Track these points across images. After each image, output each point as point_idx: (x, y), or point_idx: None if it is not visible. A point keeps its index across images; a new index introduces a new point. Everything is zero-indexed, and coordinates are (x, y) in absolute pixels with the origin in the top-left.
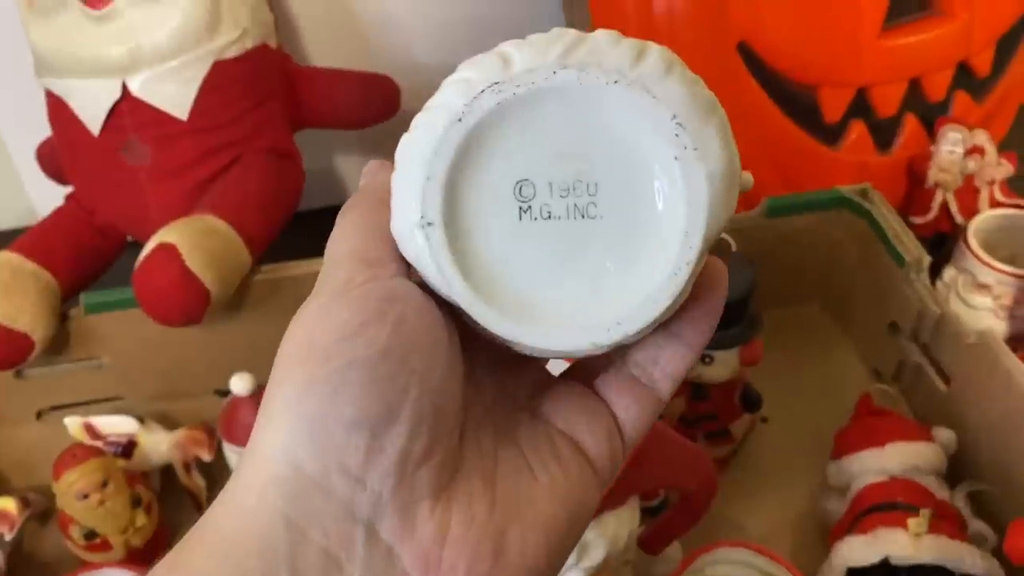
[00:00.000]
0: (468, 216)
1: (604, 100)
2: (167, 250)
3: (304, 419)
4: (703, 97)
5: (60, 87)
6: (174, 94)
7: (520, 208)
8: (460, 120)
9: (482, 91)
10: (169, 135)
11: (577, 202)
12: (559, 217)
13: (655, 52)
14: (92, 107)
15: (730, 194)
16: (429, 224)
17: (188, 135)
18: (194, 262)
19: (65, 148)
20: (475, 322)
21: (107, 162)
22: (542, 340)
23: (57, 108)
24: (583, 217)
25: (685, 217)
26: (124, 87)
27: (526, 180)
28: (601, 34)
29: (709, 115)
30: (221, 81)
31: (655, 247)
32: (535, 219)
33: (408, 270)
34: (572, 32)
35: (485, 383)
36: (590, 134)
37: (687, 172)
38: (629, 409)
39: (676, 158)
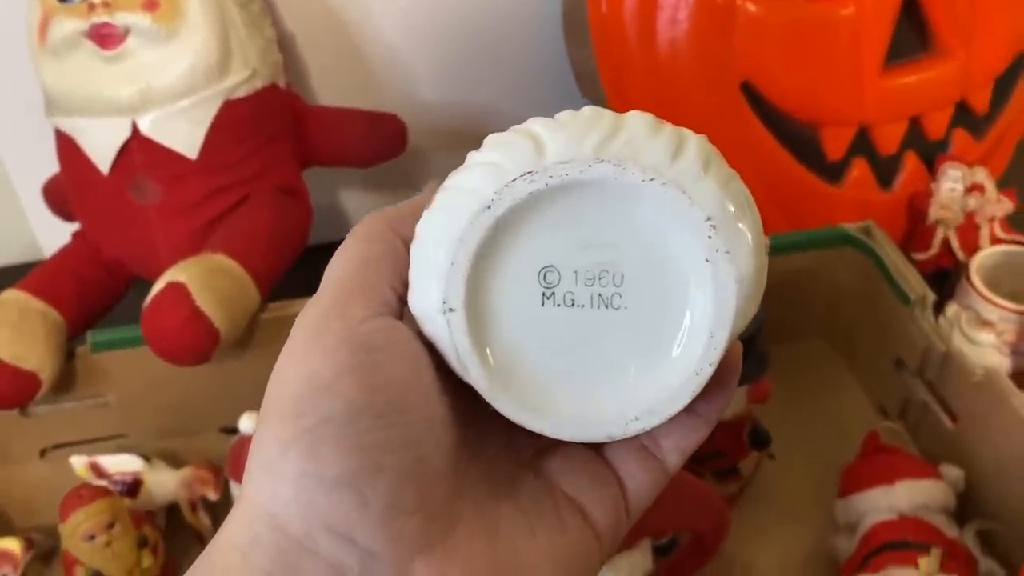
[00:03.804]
0: (490, 301)
1: (639, 195)
2: (177, 289)
3: (285, 479)
4: (738, 196)
5: (70, 126)
6: (184, 133)
7: (543, 293)
8: (489, 208)
9: (514, 180)
10: (178, 174)
11: (602, 292)
12: (582, 305)
13: (693, 147)
14: (102, 146)
15: (758, 291)
16: (451, 310)
17: (197, 174)
18: (204, 302)
19: (73, 186)
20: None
21: (116, 200)
22: (556, 430)
23: (66, 146)
24: (607, 307)
25: (712, 318)
26: (134, 126)
27: (551, 267)
28: (638, 122)
29: (743, 215)
30: (231, 120)
31: (679, 345)
32: (558, 305)
33: (392, 309)
34: (608, 116)
35: (488, 436)
36: (621, 226)
37: (717, 275)
38: (636, 478)
39: (707, 260)
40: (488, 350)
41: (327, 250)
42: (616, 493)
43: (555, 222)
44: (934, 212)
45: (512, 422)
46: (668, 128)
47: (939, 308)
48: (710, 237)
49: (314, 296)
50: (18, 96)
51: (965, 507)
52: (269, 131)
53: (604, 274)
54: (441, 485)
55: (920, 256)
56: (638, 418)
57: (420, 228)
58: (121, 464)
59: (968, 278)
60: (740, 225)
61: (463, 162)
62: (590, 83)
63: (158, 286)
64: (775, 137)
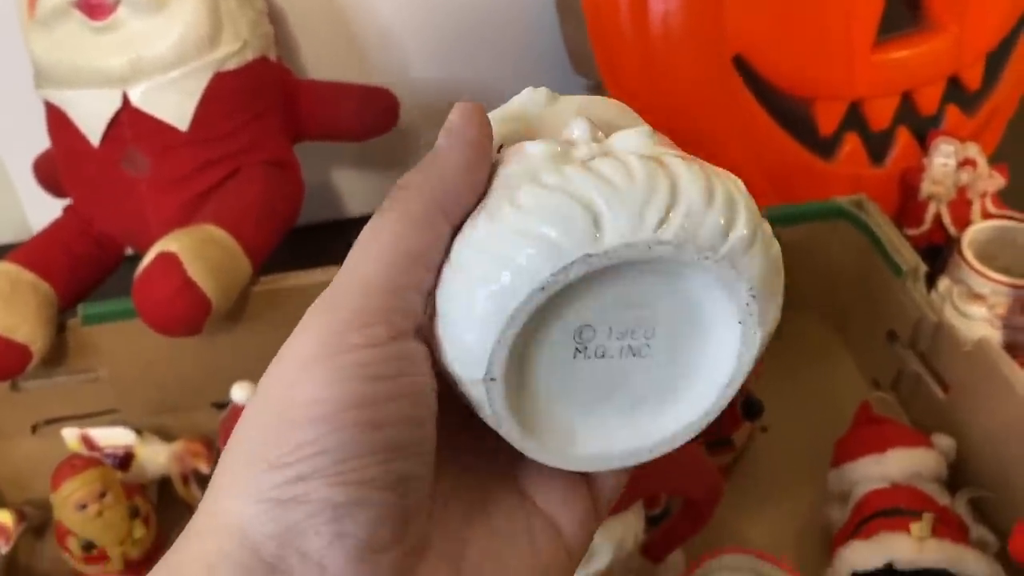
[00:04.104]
0: (529, 366)
1: (690, 268)
2: (168, 259)
3: (266, 500)
4: (775, 263)
5: (60, 98)
6: (174, 105)
7: (576, 348)
8: (543, 289)
9: (572, 262)
10: (169, 146)
11: (632, 343)
12: (612, 356)
13: (743, 216)
14: (92, 117)
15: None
16: (492, 380)
17: (188, 146)
18: (196, 271)
19: (64, 159)
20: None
21: (106, 173)
22: (572, 465)
23: (56, 119)
24: (633, 355)
25: (731, 370)
26: (124, 97)
27: (589, 326)
28: (694, 188)
29: (777, 280)
30: (221, 93)
31: (695, 391)
32: (588, 358)
33: (416, 322)
34: (663, 181)
35: (461, 439)
36: (663, 290)
37: (746, 335)
38: (607, 477)
39: (740, 322)
40: (522, 405)
41: (319, 230)
42: (587, 506)
43: (602, 290)
44: (926, 187)
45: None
46: (719, 191)
47: (931, 283)
48: (747, 304)
49: (336, 284)
50: (7, 73)
51: (957, 476)
52: (260, 104)
53: (637, 328)
54: (420, 517)
55: (912, 232)
56: (651, 451)
57: (464, 290)
58: (113, 437)
59: (960, 251)
60: (775, 290)
61: None
62: (583, 60)
63: (149, 256)
64: (768, 112)
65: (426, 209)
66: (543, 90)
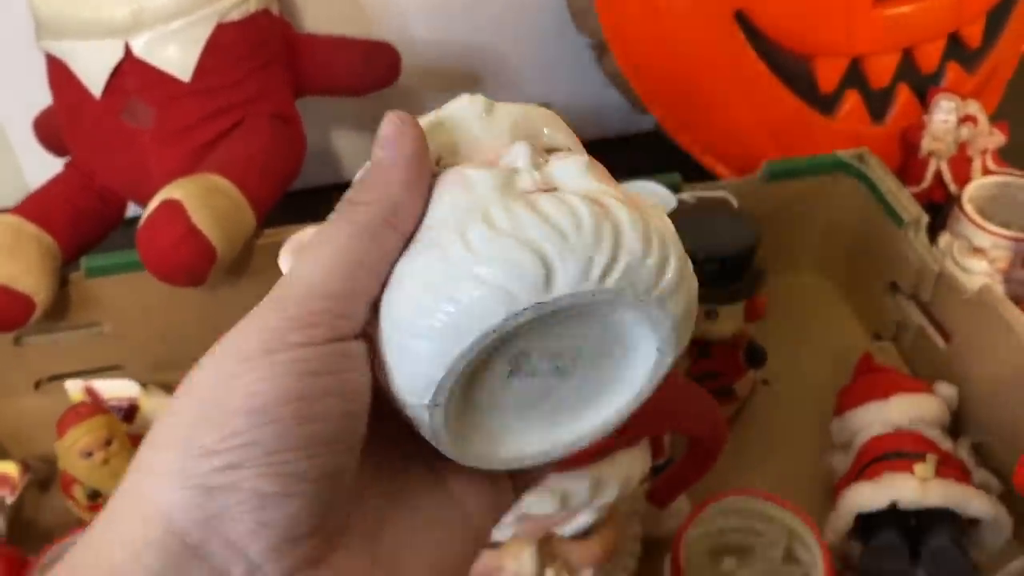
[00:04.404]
0: (467, 389)
1: (625, 308)
2: (173, 206)
3: (194, 487)
4: (694, 296)
5: (61, 49)
6: (177, 55)
7: (511, 371)
8: (494, 332)
9: (524, 309)
10: (172, 97)
11: (559, 364)
12: (541, 375)
13: (673, 263)
14: (94, 68)
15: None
16: (436, 406)
17: (191, 97)
18: (200, 219)
19: (65, 112)
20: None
21: (108, 125)
22: (491, 466)
23: (58, 72)
24: (560, 374)
25: (642, 385)
26: (127, 48)
27: (524, 353)
28: (633, 239)
29: (694, 310)
30: (224, 43)
31: (609, 402)
32: (520, 378)
33: (357, 328)
34: (608, 234)
35: (385, 428)
36: (595, 323)
37: (662, 359)
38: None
39: (658, 349)
40: (461, 425)
41: (318, 193)
42: (504, 484)
43: (541, 326)
44: (926, 144)
45: None
46: (655, 237)
47: (932, 239)
48: (668, 335)
49: (281, 285)
50: (4, 39)
51: (959, 424)
52: (263, 55)
53: (566, 352)
54: (344, 506)
55: (913, 189)
56: (561, 452)
57: (411, 322)
58: (117, 389)
59: (961, 206)
60: (692, 320)
61: None
62: (585, 17)
63: (153, 204)
64: (769, 68)
65: (372, 220)
66: (479, 99)
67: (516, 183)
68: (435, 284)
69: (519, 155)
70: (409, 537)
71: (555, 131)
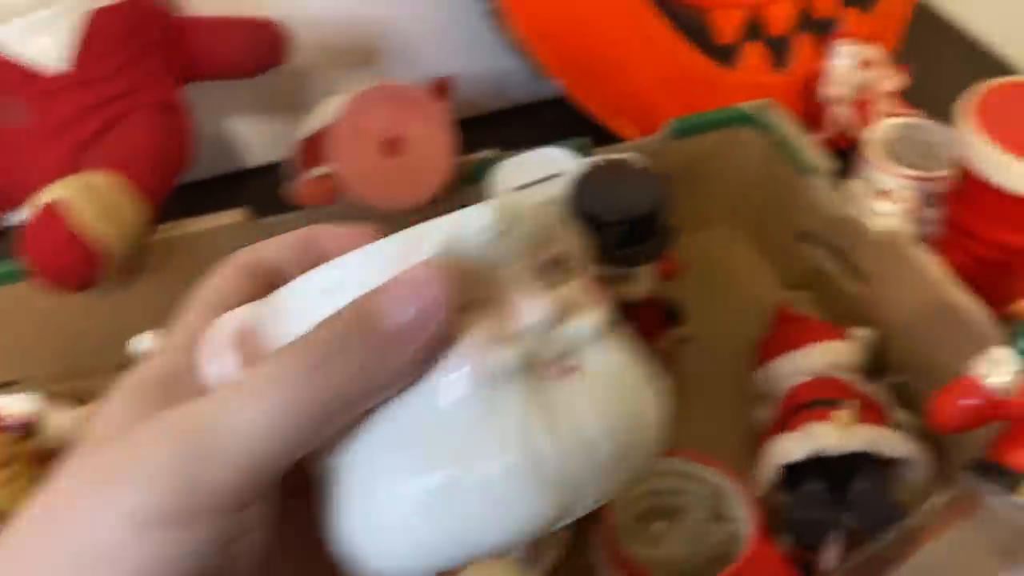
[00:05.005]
0: None
1: None
2: (56, 207)
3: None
4: None
5: None
6: (48, 46)
7: None
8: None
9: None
10: (46, 92)
11: None
12: None
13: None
14: None
15: None
16: None
17: (67, 90)
18: (87, 220)
19: None
20: None
21: None
22: None
23: None
24: None
25: None
26: None
27: None
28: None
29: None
30: (99, 31)
31: None
32: None
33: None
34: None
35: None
36: None
37: None
38: None
39: None
40: None
41: (216, 183)
42: None
43: None
44: (828, 90)
45: None
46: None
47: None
48: None
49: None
50: None
51: (877, 366)
52: (142, 42)
53: None
54: None
55: (817, 137)
56: None
57: (399, 526)
58: (11, 405)
59: (864, 148)
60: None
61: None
62: None
63: (34, 208)
64: (668, 23)
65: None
66: (491, 212)
67: (536, 370)
68: (435, 504)
69: (537, 315)
70: None
71: (563, 230)
